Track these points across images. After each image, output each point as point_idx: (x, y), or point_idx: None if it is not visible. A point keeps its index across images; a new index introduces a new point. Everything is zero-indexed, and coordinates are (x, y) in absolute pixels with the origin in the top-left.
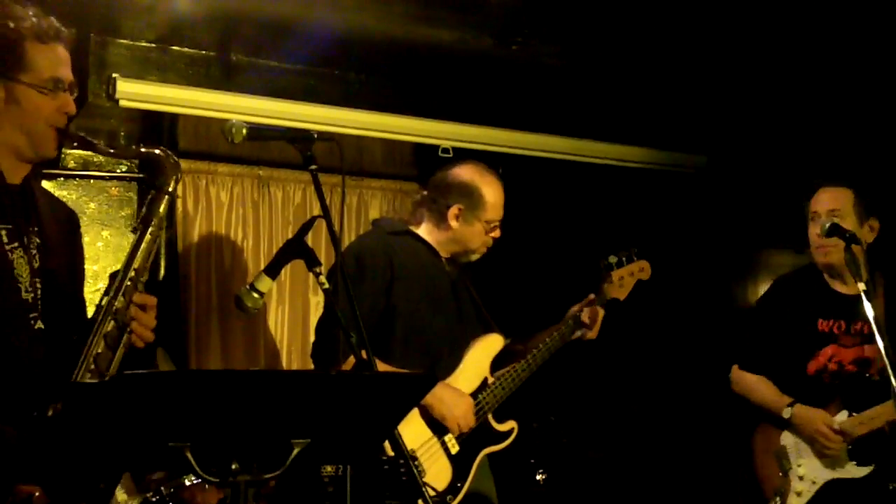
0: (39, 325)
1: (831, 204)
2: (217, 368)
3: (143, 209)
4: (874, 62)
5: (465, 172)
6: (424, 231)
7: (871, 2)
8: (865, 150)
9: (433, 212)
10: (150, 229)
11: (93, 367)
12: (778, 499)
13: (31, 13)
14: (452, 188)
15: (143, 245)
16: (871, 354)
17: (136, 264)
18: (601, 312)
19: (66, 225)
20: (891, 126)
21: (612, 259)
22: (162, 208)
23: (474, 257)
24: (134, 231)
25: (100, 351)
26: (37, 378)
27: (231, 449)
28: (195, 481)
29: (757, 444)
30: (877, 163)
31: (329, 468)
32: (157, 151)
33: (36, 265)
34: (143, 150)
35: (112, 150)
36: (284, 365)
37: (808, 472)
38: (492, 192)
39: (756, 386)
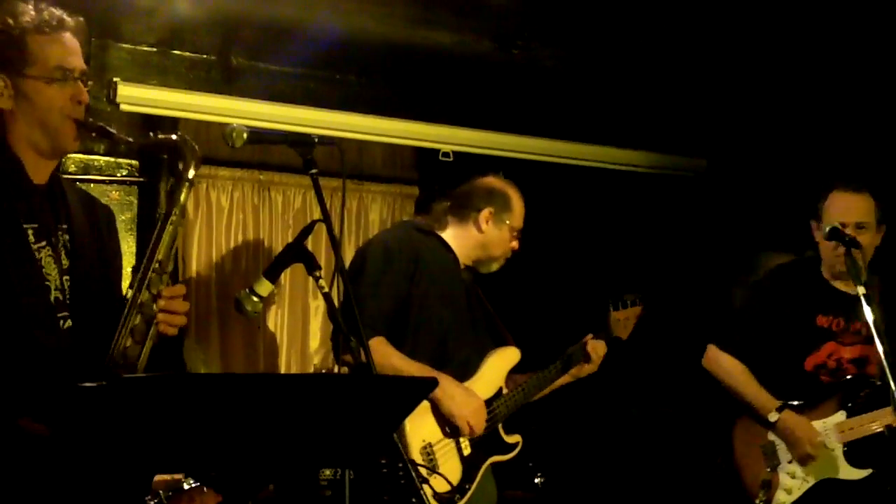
0: (69, 323)
1: (859, 216)
2: (216, 372)
3: (163, 197)
4: (874, 64)
5: (492, 180)
6: (449, 236)
7: (871, 3)
8: (868, 153)
9: (461, 217)
10: (171, 218)
11: (121, 362)
12: (762, 493)
13: (30, 7)
14: (483, 193)
15: (165, 236)
16: (869, 354)
17: (158, 255)
18: (604, 348)
19: (100, 222)
20: (891, 128)
21: (628, 297)
22: (183, 196)
23: (494, 266)
24: (155, 222)
25: (128, 345)
26: (63, 377)
27: (229, 453)
28: (194, 485)
29: (738, 436)
30: (883, 166)
31: (327, 472)
32: (174, 137)
33: (65, 264)
34: (160, 136)
35: (130, 139)
36: (283, 368)
37: (799, 470)
38: (518, 200)
39: (739, 376)
